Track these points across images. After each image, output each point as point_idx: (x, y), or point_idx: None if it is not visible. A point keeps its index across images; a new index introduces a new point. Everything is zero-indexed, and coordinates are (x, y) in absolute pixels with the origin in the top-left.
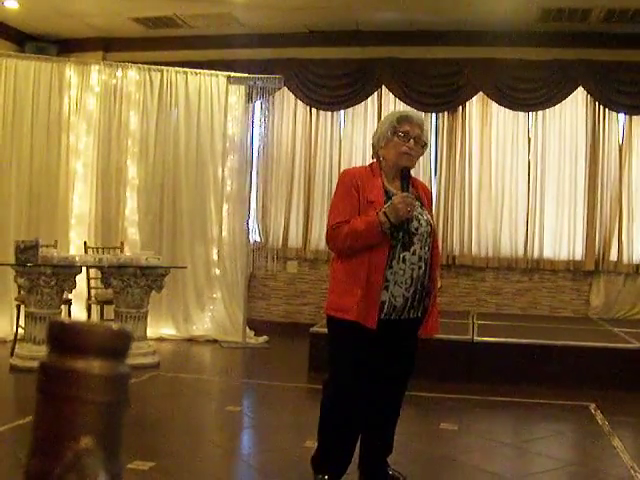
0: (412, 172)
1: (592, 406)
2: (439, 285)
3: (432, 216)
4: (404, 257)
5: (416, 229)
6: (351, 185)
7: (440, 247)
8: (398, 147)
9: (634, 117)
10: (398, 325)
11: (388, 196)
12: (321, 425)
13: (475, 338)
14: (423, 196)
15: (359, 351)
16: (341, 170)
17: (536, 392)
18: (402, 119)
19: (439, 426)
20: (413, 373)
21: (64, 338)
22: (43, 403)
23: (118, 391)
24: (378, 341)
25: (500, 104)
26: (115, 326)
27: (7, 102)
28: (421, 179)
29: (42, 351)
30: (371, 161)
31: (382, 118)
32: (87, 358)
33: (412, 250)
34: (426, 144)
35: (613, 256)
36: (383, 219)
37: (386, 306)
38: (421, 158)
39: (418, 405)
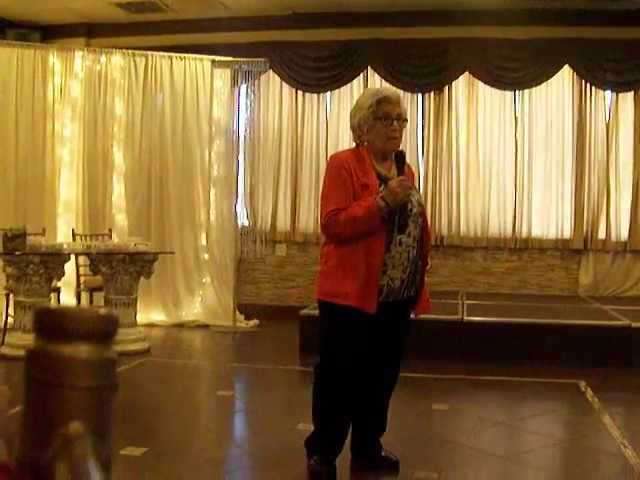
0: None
1: (582, 383)
2: (429, 266)
3: (420, 195)
4: (400, 240)
5: (410, 210)
6: (343, 170)
7: (429, 225)
8: (384, 133)
9: (620, 94)
10: (394, 306)
11: (380, 179)
12: (315, 409)
13: (465, 318)
14: (410, 176)
15: (355, 335)
16: (328, 152)
17: (526, 371)
18: (381, 101)
19: (430, 406)
20: (404, 352)
21: (50, 324)
22: (31, 390)
23: (106, 376)
24: (374, 323)
25: (486, 83)
26: (102, 310)
27: None
28: (408, 160)
29: (32, 340)
30: (354, 145)
31: (357, 99)
32: (74, 343)
33: (407, 232)
34: (406, 119)
35: (601, 234)
36: (382, 204)
37: (385, 290)
38: (408, 138)
39: (409, 386)
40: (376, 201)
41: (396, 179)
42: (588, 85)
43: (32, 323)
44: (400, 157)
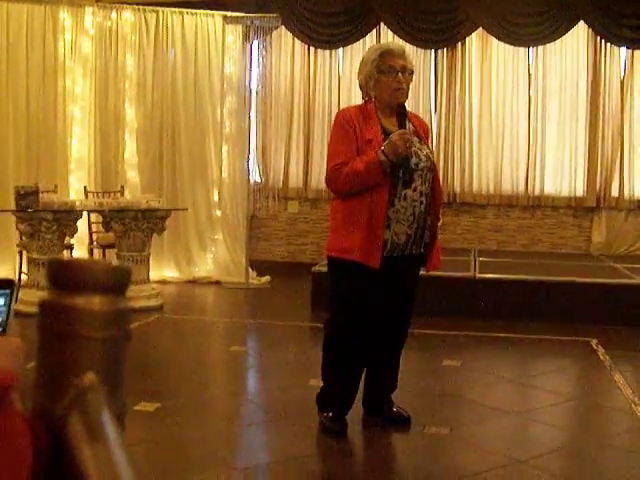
0: (411, 108)
1: (594, 341)
2: (441, 222)
3: (431, 151)
4: (405, 194)
5: (416, 165)
6: (347, 125)
7: (441, 181)
8: (389, 85)
9: (636, 51)
10: (400, 261)
11: (386, 134)
12: (324, 364)
13: (477, 275)
14: (420, 131)
15: (362, 290)
16: (340, 109)
17: (538, 328)
18: (384, 54)
19: (442, 363)
20: (414, 308)
21: (63, 275)
22: (45, 341)
23: (119, 326)
24: (381, 278)
25: (500, 39)
26: (114, 262)
27: (1, 47)
28: (421, 116)
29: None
30: (363, 101)
31: (363, 56)
32: (87, 294)
33: (413, 187)
34: (412, 71)
35: (614, 192)
36: (382, 157)
37: (389, 244)
38: (420, 95)
39: (420, 342)
40: (377, 154)
41: (397, 132)
42: (603, 41)
43: (46, 275)
44: (401, 111)
